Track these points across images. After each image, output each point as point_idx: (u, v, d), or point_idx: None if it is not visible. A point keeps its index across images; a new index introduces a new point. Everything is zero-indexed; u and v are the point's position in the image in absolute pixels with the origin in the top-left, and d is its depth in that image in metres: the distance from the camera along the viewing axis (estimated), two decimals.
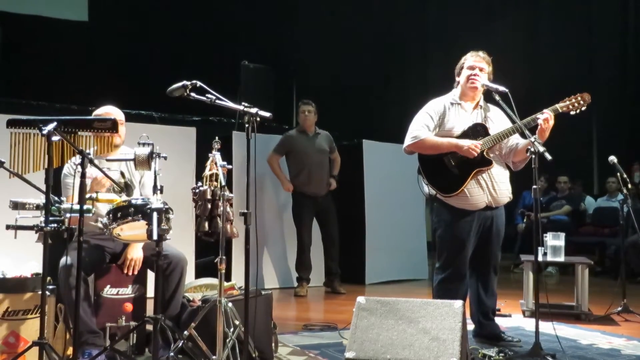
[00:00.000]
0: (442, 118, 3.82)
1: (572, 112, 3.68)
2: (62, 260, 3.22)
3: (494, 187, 3.77)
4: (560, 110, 3.66)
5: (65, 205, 3.01)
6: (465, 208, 3.74)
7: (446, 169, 3.73)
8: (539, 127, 3.58)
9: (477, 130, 3.77)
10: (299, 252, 6.17)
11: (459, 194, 3.70)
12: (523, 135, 3.69)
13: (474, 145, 3.64)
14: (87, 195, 2.92)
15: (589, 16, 10.57)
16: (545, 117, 3.57)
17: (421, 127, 3.79)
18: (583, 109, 3.67)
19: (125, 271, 3.49)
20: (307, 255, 6.15)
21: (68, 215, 2.93)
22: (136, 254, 3.51)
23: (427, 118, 3.81)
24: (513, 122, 3.67)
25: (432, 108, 3.86)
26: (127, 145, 3.70)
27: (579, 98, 3.66)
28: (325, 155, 6.23)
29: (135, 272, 3.52)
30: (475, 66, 3.82)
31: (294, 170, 6.17)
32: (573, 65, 10.11)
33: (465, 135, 3.76)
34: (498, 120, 3.89)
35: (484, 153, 3.71)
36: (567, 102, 3.67)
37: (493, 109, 3.94)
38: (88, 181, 3.06)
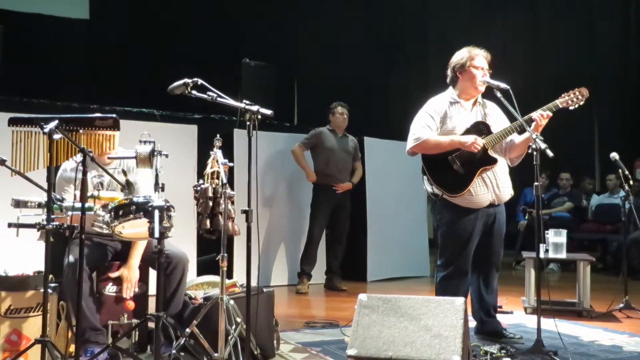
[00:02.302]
0: (444, 118, 3.81)
1: (571, 107, 3.71)
2: (68, 258, 3.23)
3: (497, 184, 3.77)
4: (560, 106, 3.69)
5: (67, 204, 3.01)
6: (470, 207, 3.74)
7: (451, 168, 3.72)
8: (535, 123, 3.60)
9: (480, 129, 3.76)
10: (307, 245, 6.18)
11: (465, 194, 3.70)
12: (521, 132, 3.71)
13: (475, 140, 3.64)
14: (89, 194, 2.92)
15: (590, 12, 10.55)
16: (541, 114, 3.61)
17: (423, 127, 3.77)
18: (581, 103, 3.71)
19: (123, 294, 3.45)
20: (314, 250, 6.16)
21: (69, 213, 2.93)
22: (133, 275, 3.49)
23: (428, 118, 3.80)
24: (513, 118, 3.68)
25: (433, 108, 3.84)
26: (129, 144, 3.69)
27: (577, 93, 3.70)
28: (349, 156, 6.31)
29: (132, 294, 3.48)
30: (484, 67, 3.81)
31: (320, 164, 6.20)
32: (574, 62, 10.09)
33: (468, 133, 3.75)
34: (496, 117, 3.90)
35: (488, 151, 3.71)
36: (566, 97, 3.71)
37: (490, 105, 3.94)
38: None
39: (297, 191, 6.52)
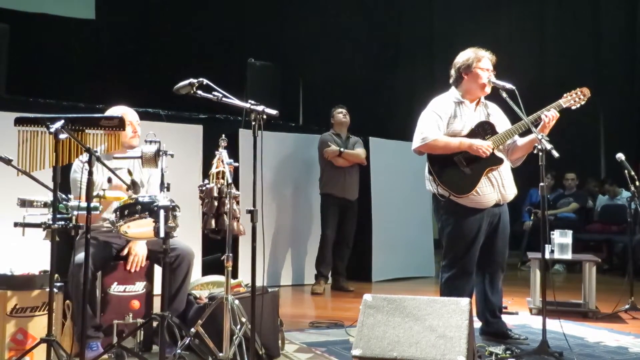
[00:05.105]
0: (450, 118, 3.80)
1: (574, 107, 3.73)
2: (76, 257, 3.24)
3: (503, 184, 3.77)
4: (564, 105, 3.71)
5: (72, 203, 3.02)
6: (476, 207, 3.73)
7: (457, 168, 3.71)
8: (542, 123, 3.61)
9: (485, 129, 3.76)
10: (321, 247, 6.16)
11: (472, 194, 3.70)
12: (524, 133, 3.72)
13: (486, 146, 3.64)
14: (95, 193, 2.93)
15: (595, 11, 10.52)
16: (552, 112, 3.61)
17: (430, 127, 3.75)
18: (583, 103, 3.74)
19: (129, 267, 3.50)
20: (329, 251, 6.14)
21: (76, 212, 2.94)
22: (140, 250, 3.52)
23: (436, 118, 3.78)
24: (516, 119, 3.68)
25: (440, 108, 3.82)
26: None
27: (579, 93, 3.73)
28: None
29: (138, 269, 3.53)
30: (489, 69, 3.80)
31: (327, 172, 6.16)
32: (579, 62, 10.06)
33: (473, 133, 3.74)
34: (498, 117, 3.90)
35: (494, 151, 3.71)
36: (569, 97, 3.74)
37: (492, 105, 3.94)
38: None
39: (302, 191, 6.53)
